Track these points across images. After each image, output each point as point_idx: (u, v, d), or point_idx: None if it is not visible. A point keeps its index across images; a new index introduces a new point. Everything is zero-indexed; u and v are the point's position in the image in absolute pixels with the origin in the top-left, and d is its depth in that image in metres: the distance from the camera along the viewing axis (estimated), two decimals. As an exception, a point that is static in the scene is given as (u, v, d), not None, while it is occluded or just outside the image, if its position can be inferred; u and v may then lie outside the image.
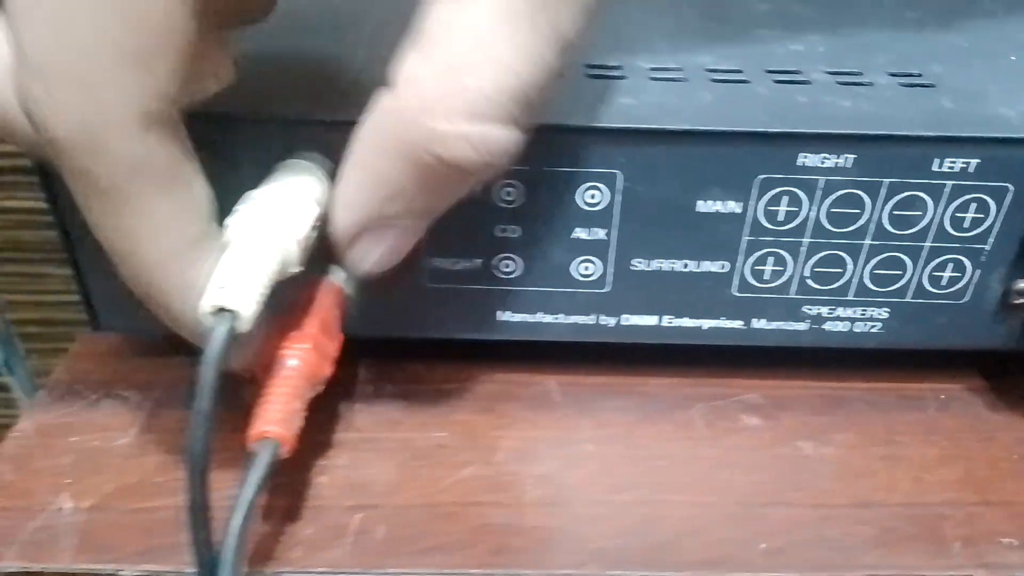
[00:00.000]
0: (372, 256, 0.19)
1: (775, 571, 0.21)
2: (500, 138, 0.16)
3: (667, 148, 0.21)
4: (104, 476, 0.23)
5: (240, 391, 0.19)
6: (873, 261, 0.23)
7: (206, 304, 0.17)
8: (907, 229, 0.23)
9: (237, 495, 0.18)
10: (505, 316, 0.24)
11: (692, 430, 0.25)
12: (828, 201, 0.22)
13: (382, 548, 0.21)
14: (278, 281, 0.18)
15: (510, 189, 0.22)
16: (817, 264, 0.23)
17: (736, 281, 0.24)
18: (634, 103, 0.22)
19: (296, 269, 0.19)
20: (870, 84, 0.23)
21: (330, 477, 0.23)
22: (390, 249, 0.19)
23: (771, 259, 0.23)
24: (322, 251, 0.20)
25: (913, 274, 0.23)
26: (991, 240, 0.23)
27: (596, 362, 0.27)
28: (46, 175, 0.22)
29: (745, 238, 0.23)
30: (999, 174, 0.22)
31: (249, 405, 0.19)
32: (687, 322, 0.24)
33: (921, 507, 0.23)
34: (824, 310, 0.24)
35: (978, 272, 0.23)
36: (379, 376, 0.26)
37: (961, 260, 0.23)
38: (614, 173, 0.22)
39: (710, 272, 0.23)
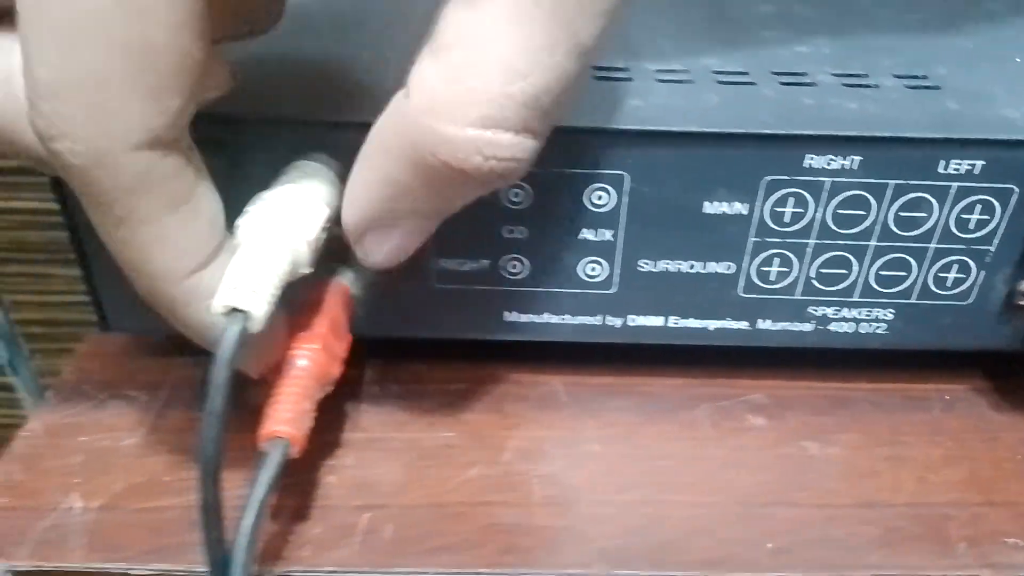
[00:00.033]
0: (379, 252, 0.19)
1: (780, 571, 0.21)
2: (509, 144, 0.16)
3: (674, 150, 0.22)
4: (113, 476, 0.23)
5: (247, 391, 0.20)
6: (878, 262, 0.23)
7: (218, 304, 0.17)
8: (912, 230, 0.23)
9: (248, 494, 0.18)
10: (512, 317, 0.25)
11: (697, 430, 0.25)
12: (834, 202, 0.22)
13: (390, 548, 0.21)
14: (288, 282, 0.18)
15: (517, 190, 0.22)
16: (823, 265, 0.23)
17: (742, 282, 0.24)
18: (641, 105, 0.22)
19: (306, 270, 0.19)
20: (876, 86, 0.24)
21: (338, 477, 0.23)
22: (397, 247, 0.19)
23: (777, 260, 0.23)
24: (330, 252, 0.20)
25: (918, 275, 0.24)
26: (996, 241, 0.23)
27: (602, 362, 0.27)
28: (56, 176, 0.22)
29: (751, 239, 0.23)
30: (1004, 176, 0.22)
31: (256, 405, 0.19)
32: (693, 323, 0.25)
33: (926, 507, 0.23)
34: (829, 311, 0.24)
35: (983, 273, 0.23)
36: (386, 376, 0.27)
37: (966, 261, 0.23)
38: (621, 175, 0.22)
39: (716, 273, 0.24)
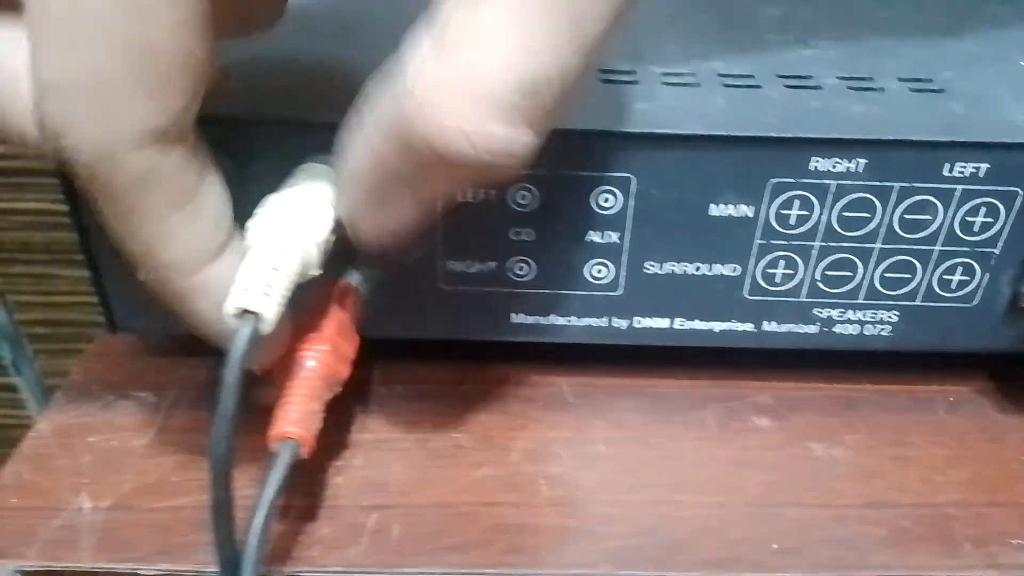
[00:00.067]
0: (373, 231, 0.19)
1: (787, 571, 0.21)
2: (502, 138, 0.15)
3: (680, 152, 0.22)
4: (122, 476, 0.23)
5: (253, 392, 0.20)
6: (883, 264, 0.23)
7: (230, 306, 0.17)
8: (917, 233, 0.23)
9: (258, 494, 0.18)
10: (519, 318, 0.25)
11: (704, 431, 0.25)
12: (839, 205, 0.22)
13: (398, 547, 0.21)
14: (298, 284, 0.18)
15: (525, 193, 0.22)
16: (828, 267, 0.23)
17: (747, 284, 0.24)
18: (647, 108, 0.22)
19: (316, 272, 0.19)
20: (881, 89, 0.24)
21: (346, 477, 0.23)
22: (390, 228, 0.19)
23: (782, 262, 0.23)
24: (338, 254, 0.20)
25: (923, 277, 0.24)
26: (1000, 244, 0.23)
27: (609, 364, 0.27)
28: (65, 177, 0.22)
29: (757, 241, 0.23)
30: (1009, 179, 0.22)
31: (262, 406, 0.20)
32: (699, 324, 0.25)
33: (931, 508, 0.23)
34: (834, 313, 0.24)
35: (987, 275, 0.24)
36: (394, 377, 0.27)
37: (970, 263, 0.23)
38: (628, 177, 0.22)
39: (722, 275, 0.24)
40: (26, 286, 0.53)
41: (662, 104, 0.23)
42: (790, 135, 0.21)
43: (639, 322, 0.25)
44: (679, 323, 0.25)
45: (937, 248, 0.23)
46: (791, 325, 0.25)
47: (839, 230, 0.23)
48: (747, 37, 0.27)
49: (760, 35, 0.27)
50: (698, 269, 0.24)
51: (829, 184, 0.22)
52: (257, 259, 0.18)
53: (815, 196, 0.22)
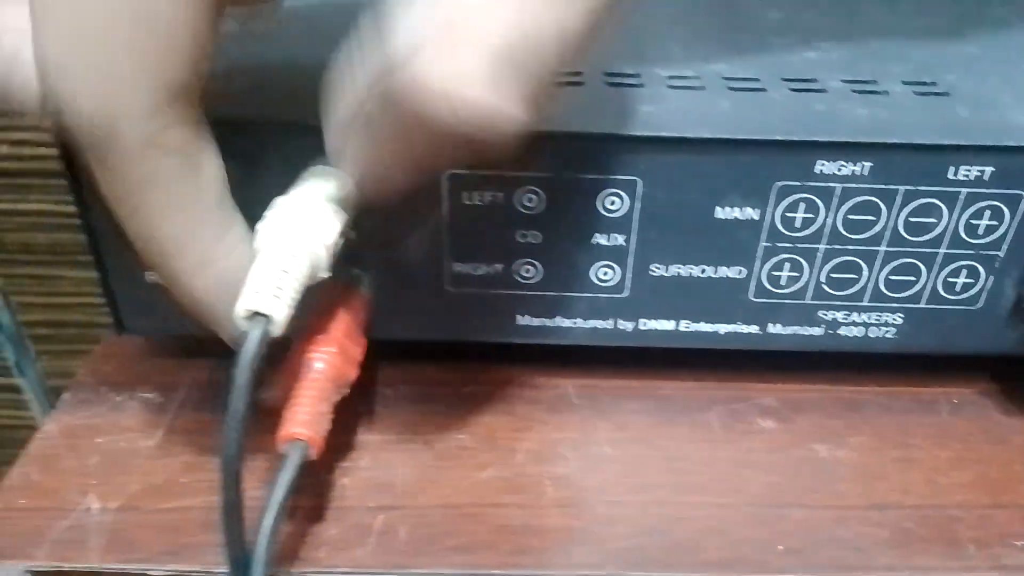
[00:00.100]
0: (358, 166, 0.19)
1: (791, 572, 0.21)
2: (487, 106, 0.15)
3: (686, 155, 0.22)
4: (130, 477, 0.23)
5: (260, 394, 0.20)
6: (888, 267, 0.24)
7: (240, 308, 0.17)
8: (922, 236, 0.23)
9: (268, 495, 0.18)
10: (525, 320, 0.25)
11: (709, 433, 0.25)
12: (844, 208, 0.22)
13: (404, 548, 0.21)
14: (307, 286, 0.19)
15: (531, 195, 0.22)
16: (833, 270, 0.24)
17: (753, 286, 0.24)
18: (653, 111, 0.22)
19: (325, 274, 0.19)
20: (885, 92, 0.24)
21: (353, 478, 0.23)
22: (385, 183, 0.18)
23: (788, 265, 0.24)
24: (347, 256, 0.20)
25: (927, 280, 0.24)
26: (1005, 247, 0.23)
27: (614, 365, 0.27)
28: (73, 178, 0.22)
29: (762, 244, 0.23)
30: (1013, 182, 0.22)
31: (267, 407, 0.20)
32: (704, 326, 0.25)
33: (935, 509, 0.23)
34: (839, 315, 0.25)
35: (991, 278, 0.24)
36: (400, 379, 0.27)
37: (975, 266, 0.23)
38: (634, 180, 0.22)
39: (727, 278, 0.24)
40: (29, 287, 0.53)
41: (667, 107, 0.23)
42: (795, 138, 0.21)
43: (645, 324, 0.25)
44: (684, 325, 0.25)
45: (942, 251, 0.23)
46: (796, 327, 0.25)
47: (844, 233, 0.23)
48: (751, 40, 0.28)
49: (764, 38, 0.28)
50: (704, 271, 0.24)
51: (834, 187, 0.22)
52: (267, 262, 0.18)
53: (820, 199, 0.22)
